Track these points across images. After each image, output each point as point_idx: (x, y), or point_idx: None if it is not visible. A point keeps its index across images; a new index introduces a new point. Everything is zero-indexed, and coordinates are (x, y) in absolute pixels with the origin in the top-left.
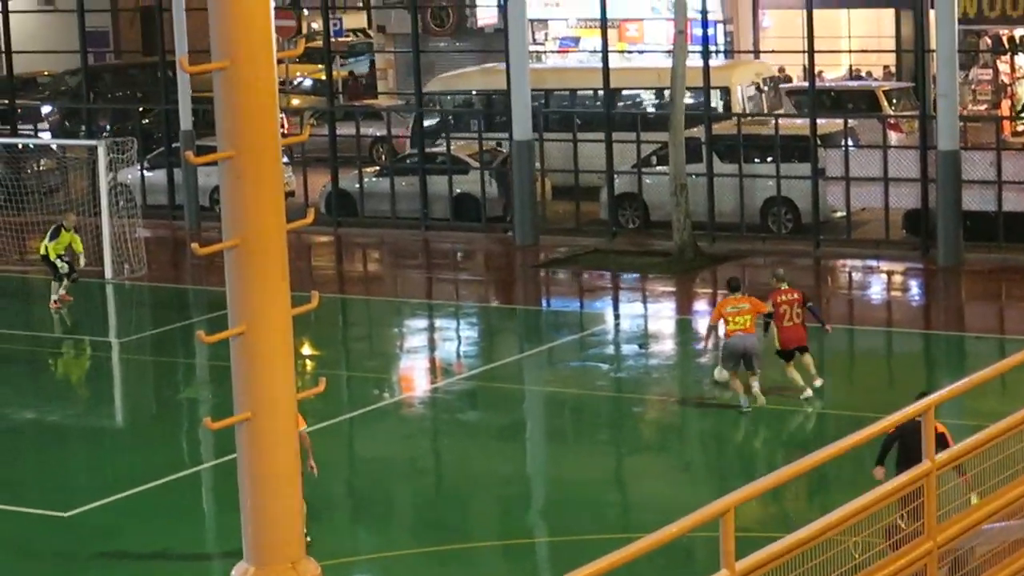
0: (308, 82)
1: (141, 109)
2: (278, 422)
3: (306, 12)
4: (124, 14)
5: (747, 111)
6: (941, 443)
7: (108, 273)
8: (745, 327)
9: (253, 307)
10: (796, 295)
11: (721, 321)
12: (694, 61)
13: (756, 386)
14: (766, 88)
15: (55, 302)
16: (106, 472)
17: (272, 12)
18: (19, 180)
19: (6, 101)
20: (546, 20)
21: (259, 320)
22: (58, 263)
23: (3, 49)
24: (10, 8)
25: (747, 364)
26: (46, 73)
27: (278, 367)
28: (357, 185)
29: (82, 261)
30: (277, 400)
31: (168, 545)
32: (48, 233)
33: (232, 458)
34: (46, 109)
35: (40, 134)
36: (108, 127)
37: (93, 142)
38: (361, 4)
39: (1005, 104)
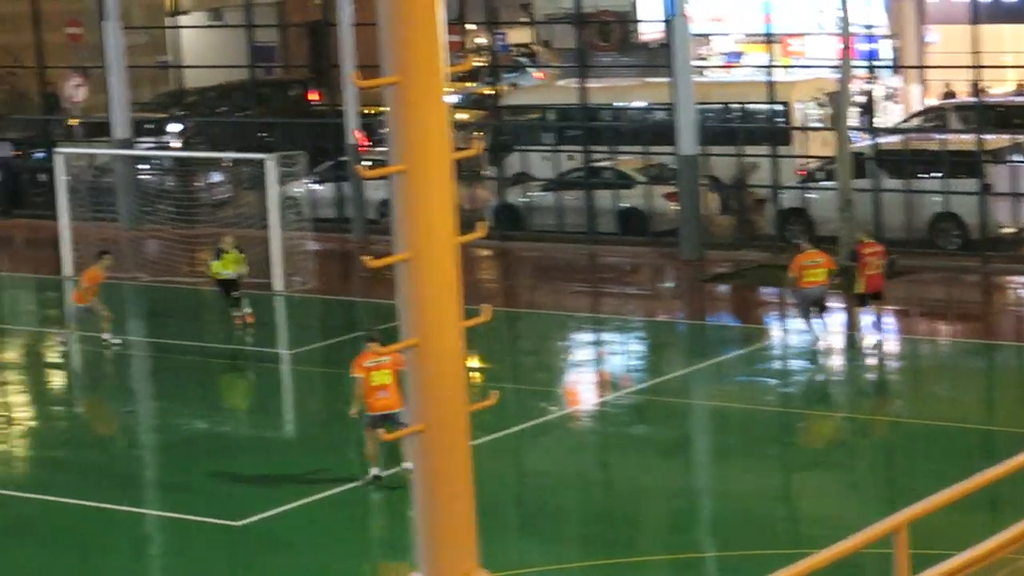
0: (454, 98)
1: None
2: (451, 434)
3: (471, 28)
4: (292, 29)
5: (809, 126)
6: None
7: (278, 285)
8: (819, 280)
9: (425, 319)
10: (879, 248)
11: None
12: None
13: (824, 320)
14: (827, 104)
15: (238, 318)
16: (277, 482)
17: (443, 26)
18: (189, 193)
19: (181, 113)
20: (709, 35)
21: (431, 333)
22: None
23: (176, 63)
24: (181, 23)
25: (820, 308)
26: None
27: (450, 379)
28: (524, 199)
29: (242, 269)
30: (450, 412)
31: (338, 556)
32: (214, 254)
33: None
34: (176, 127)
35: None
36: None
37: (263, 156)
38: (526, 19)
39: None
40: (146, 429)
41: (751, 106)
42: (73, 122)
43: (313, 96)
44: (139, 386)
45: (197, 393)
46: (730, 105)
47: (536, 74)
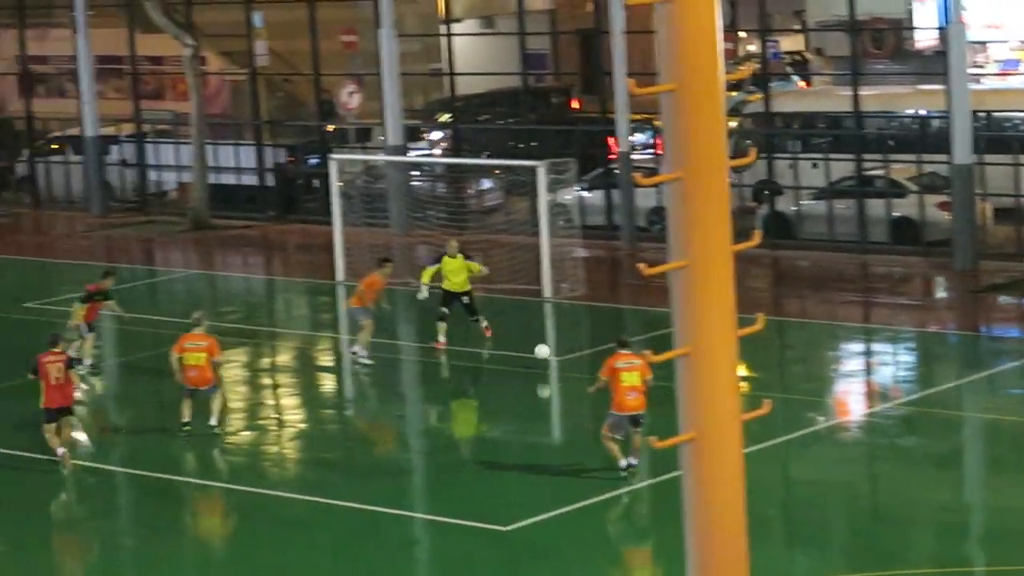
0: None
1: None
2: (724, 443)
3: (743, 35)
4: (563, 37)
5: None
6: None
7: (547, 292)
8: None
9: (700, 328)
10: None
11: None
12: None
13: None
14: None
15: (486, 328)
16: (544, 488)
17: (721, 34)
18: (460, 199)
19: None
20: (986, 43)
21: (705, 341)
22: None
23: (448, 70)
24: (454, 31)
25: None
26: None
27: (724, 388)
28: (795, 207)
29: (475, 270)
30: (723, 421)
31: (604, 564)
32: (433, 259)
33: (671, 477)
34: (437, 134)
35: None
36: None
37: (534, 163)
38: (798, 27)
39: None
40: (415, 433)
41: None
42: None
43: (575, 104)
44: (409, 391)
45: (465, 398)
46: (1006, 113)
47: (800, 83)
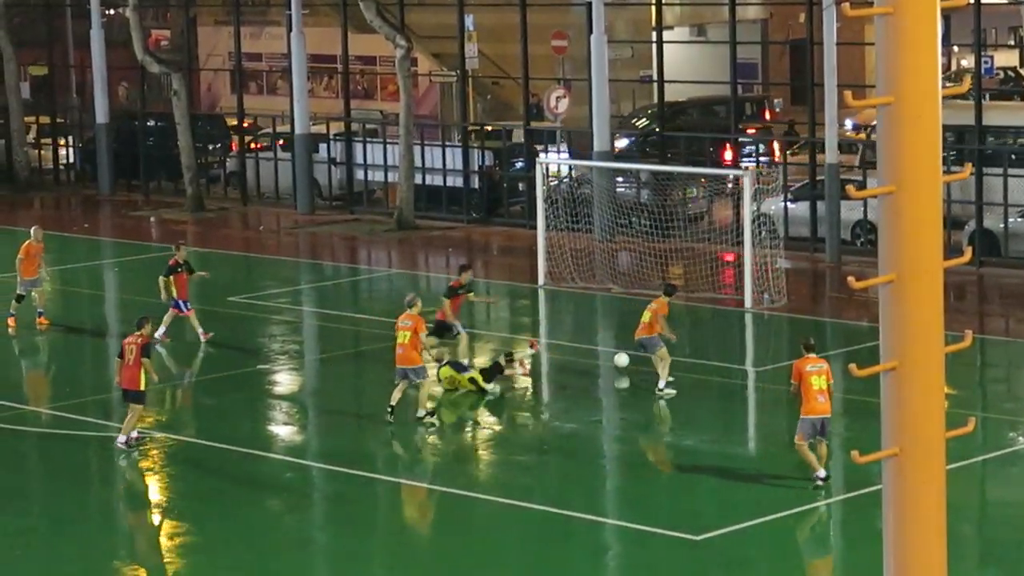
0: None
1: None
2: (927, 460)
3: (956, 49)
4: (774, 47)
5: None
6: None
7: (748, 302)
8: None
9: (907, 343)
10: None
11: None
12: None
13: None
14: None
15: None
16: (738, 498)
17: (940, 48)
18: (665, 207)
19: (656, 128)
20: None
21: (912, 356)
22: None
23: (657, 78)
24: (665, 38)
25: None
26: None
27: (929, 404)
28: (1003, 225)
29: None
30: (926, 438)
31: None
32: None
33: (867, 492)
34: (623, 142)
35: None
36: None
37: (739, 171)
38: (1013, 43)
39: None
40: (610, 439)
41: None
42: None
43: (768, 115)
44: (605, 397)
45: (661, 407)
46: None
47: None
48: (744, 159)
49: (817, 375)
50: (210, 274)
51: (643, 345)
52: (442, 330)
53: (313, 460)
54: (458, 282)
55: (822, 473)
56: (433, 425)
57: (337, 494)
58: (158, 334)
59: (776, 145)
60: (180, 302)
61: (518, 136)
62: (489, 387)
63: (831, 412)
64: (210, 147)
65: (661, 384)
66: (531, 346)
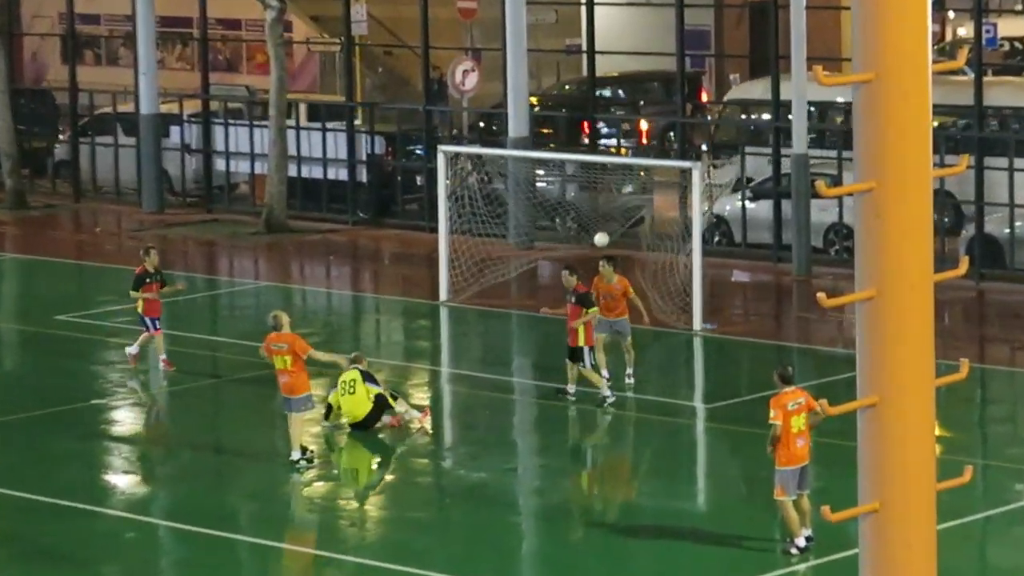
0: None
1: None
2: (913, 516)
3: (951, 15)
4: (730, 10)
5: None
6: None
7: (697, 323)
8: None
9: (889, 374)
10: None
11: None
12: None
13: None
14: None
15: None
16: (682, 564)
17: (929, 17)
18: (596, 207)
19: (582, 109)
20: None
21: (895, 390)
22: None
23: (587, 48)
24: (597, 1)
25: None
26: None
27: (916, 449)
28: (1007, 230)
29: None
30: (913, 490)
31: None
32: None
33: (841, 557)
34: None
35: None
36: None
37: (686, 163)
38: (1021, 6)
39: None
40: (527, 491)
41: None
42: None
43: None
44: (521, 438)
45: (593, 450)
46: None
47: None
48: (604, 140)
49: (796, 414)
50: (186, 285)
51: (619, 331)
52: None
53: (159, 517)
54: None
55: (804, 537)
56: (298, 471)
57: (189, 560)
58: (162, 360)
59: (644, 125)
60: (148, 320)
61: (416, 119)
62: (400, 409)
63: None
64: (35, 130)
65: (630, 370)
66: (421, 418)
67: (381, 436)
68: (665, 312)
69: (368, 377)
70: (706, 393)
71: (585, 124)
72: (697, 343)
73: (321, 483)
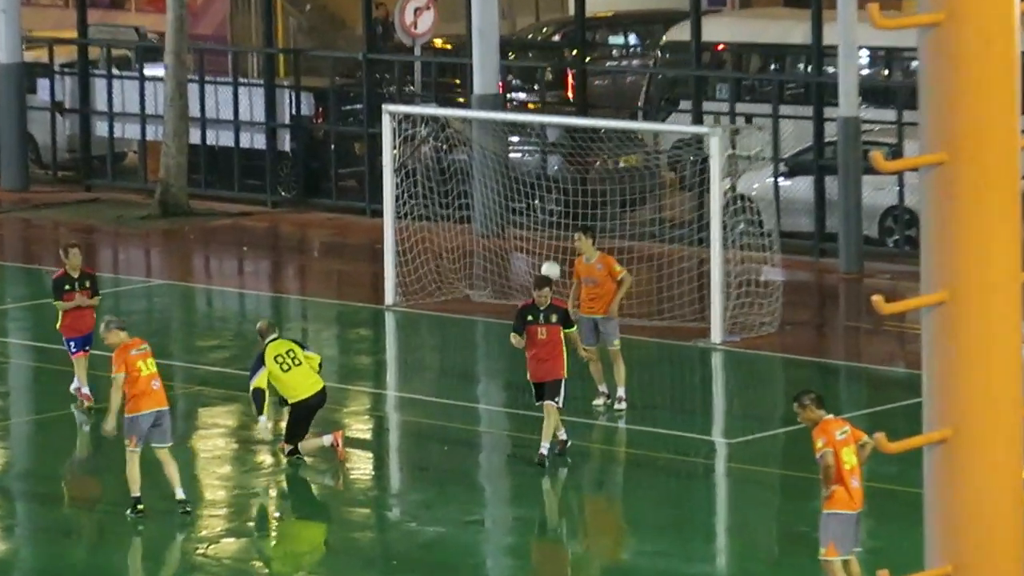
0: None
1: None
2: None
3: None
4: None
5: None
6: None
7: (716, 335)
8: None
9: (964, 400)
10: None
11: None
12: None
13: None
14: None
15: None
16: None
17: None
18: (584, 184)
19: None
20: None
21: (973, 421)
22: None
23: None
24: None
25: None
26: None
27: (998, 495)
28: None
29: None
30: (997, 548)
31: None
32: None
33: None
34: None
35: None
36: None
37: (701, 128)
38: None
39: None
40: (496, 551)
41: None
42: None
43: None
44: (489, 482)
45: (581, 497)
46: None
47: None
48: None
49: (845, 444)
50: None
51: (605, 333)
52: None
53: None
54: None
55: None
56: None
57: None
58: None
59: (570, 77)
60: (70, 340)
61: (354, 71)
62: (261, 421)
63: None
64: None
65: (621, 392)
66: (334, 445)
67: (304, 475)
68: (675, 320)
69: (302, 344)
70: (727, 425)
71: (571, 77)
72: (716, 360)
73: (231, 540)
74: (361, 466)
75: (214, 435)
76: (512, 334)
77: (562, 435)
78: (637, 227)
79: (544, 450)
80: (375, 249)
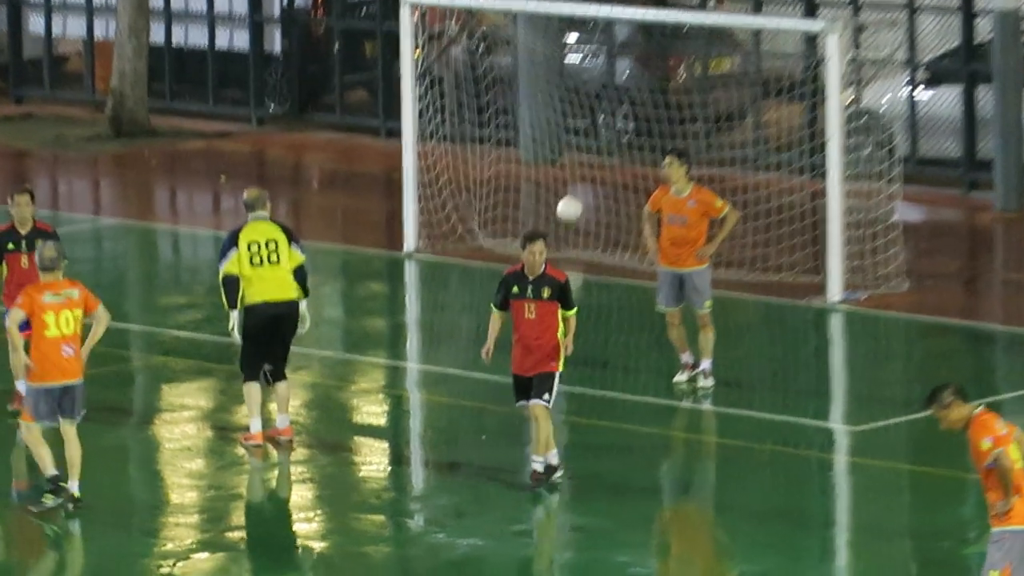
0: None
1: None
2: None
3: None
4: None
5: None
6: None
7: (834, 292)
8: None
9: None
10: None
11: None
12: None
13: None
14: None
15: None
16: None
17: None
18: (664, 95)
19: None
20: None
21: None
22: None
23: None
24: None
25: None
26: None
27: None
28: None
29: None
30: None
31: None
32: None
33: None
34: None
35: None
36: None
37: (815, 23)
38: None
39: None
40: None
41: None
42: None
43: None
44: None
45: (645, 501)
46: None
47: None
48: None
49: (1010, 441)
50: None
51: (693, 289)
52: None
53: None
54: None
55: None
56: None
57: None
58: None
59: None
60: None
61: None
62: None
63: None
64: None
65: (706, 365)
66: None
67: (301, 470)
68: (781, 272)
69: (291, 235)
70: (849, 408)
71: None
72: (834, 324)
73: (204, 555)
74: (373, 460)
75: (182, 419)
76: (493, 311)
77: (553, 457)
78: (730, 151)
79: (538, 466)
80: (391, 180)
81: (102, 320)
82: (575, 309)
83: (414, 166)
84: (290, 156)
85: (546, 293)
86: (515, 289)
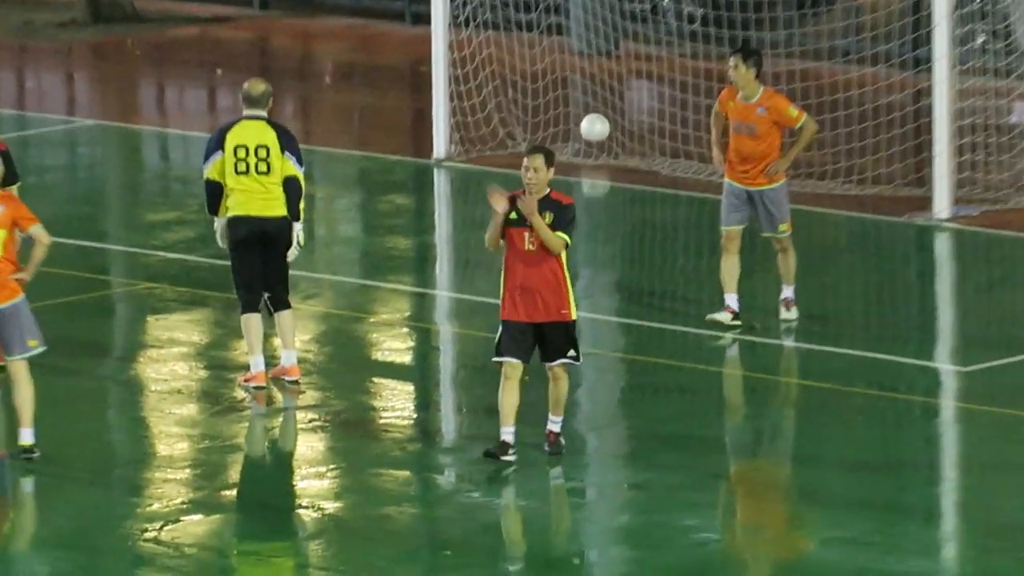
0: None
1: None
2: None
3: None
4: None
5: None
6: None
7: (941, 207)
8: None
9: None
10: None
11: None
12: None
13: None
14: None
15: None
16: None
17: None
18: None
19: None
20: None
21: None
22: None
23: None
24: None
25: None
26: None
27: None
28: None
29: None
30: None
31: None
32: None
33: None
34: None
35: None
36: None
37: None
38: None
39: None
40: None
41: None
42: None
43: None
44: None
45: (731, 453)
46: None
47: None
48: None
49: None
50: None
51: (767, 209)
52: None
53: None
54: None
55: None
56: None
57: None
58: None
59: None
60: None
61: None
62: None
63: None
64: None
65: (788, 293)
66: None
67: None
68: (878, 184)
69: (287, 140)
70: (958, 346)
71: None
72: (941, 244)
73: (196, 517)
74: (396, 405)
75: (171, 357)
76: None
77: (555, 424)
78: (818, 41)
79: (555, 427)
80: (418, 74)
81: (42, 240)
82: (564, 236)
83: (445, 58)
84: (297, 45)
85: (547, 219)
86: (512, 215)
